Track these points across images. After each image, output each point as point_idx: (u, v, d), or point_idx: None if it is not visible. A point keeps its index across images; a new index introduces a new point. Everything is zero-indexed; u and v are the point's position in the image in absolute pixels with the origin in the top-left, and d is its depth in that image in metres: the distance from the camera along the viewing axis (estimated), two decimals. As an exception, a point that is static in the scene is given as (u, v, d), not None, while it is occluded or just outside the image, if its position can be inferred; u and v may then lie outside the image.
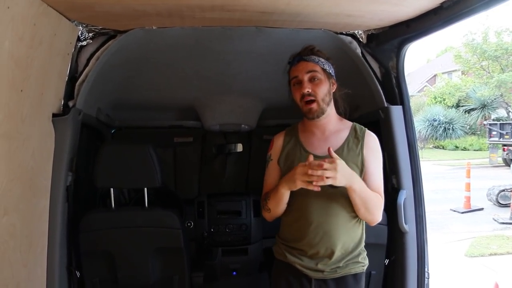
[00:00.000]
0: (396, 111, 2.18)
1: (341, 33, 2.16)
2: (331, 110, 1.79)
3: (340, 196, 1.72)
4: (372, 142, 1.79)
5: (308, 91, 1.71)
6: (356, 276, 1.79)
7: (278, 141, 1.87)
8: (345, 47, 2.18)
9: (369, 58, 2.23)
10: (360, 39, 2.19)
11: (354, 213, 1.75)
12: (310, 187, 1.57)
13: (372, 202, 1.70)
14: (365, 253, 1.83)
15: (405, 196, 2.12)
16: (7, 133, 1.53)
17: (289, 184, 1.65)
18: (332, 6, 1.76)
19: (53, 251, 1.95)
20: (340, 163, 1.58)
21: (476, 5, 1.60)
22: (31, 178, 1.78)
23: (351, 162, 1.72)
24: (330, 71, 1.76)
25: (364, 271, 1.82)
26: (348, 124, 1.84)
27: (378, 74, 2.25)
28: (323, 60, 1.75)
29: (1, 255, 1.58)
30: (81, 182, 2.25)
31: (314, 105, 1.72)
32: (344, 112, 1.86)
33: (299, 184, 1.59)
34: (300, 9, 1.79)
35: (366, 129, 1.82)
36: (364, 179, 1.73)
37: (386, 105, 2.21)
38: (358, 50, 2.20)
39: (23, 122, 1.65)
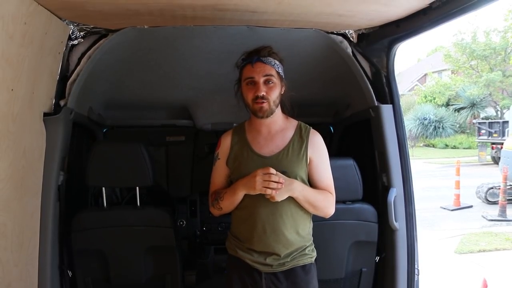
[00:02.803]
0: (386, 110, 2.20)
1: (332, 33, 2.18)
2: (278, 110, 1.82)
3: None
4: (316, 141, 1.83)
5: (263, 94, 1.73)
6: (304, 267, 1.84)
7: (226, 141, 1.89)
8: (336, 46, 2.20)
9: (359, 57, 2.25)
10: (351, 38, 2.21)
11: (300, 210, 1.80)
12: (268, 195, 1.67)
13: (318, 202, 1.78)
14: (313, 245, 1.88)
15: (395, 194, 2.15)
16: (-2, 133, 1.52)
17: (248, 189, 1.71)
18: (324, 5, 1.78)
19: (45, 250, 1.95)
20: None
21: (465, 5, 1.63)
22: (23, 177, 1.77)
23: (296, 162, 1.78)
24: (282, 74, 1.79)
25: (313, 262, 1.87)
26: (294, 123, 1.87)
27: (369, 73, 2.28)
28: (278, 63, 1.77)
29: (-8, 254, 1.57)
30: (73, 181, 2.24)
31: (265, 104, 1.74)
32: (289, 113, 1.88)
33: (259, 191, 1.68)
34: (292, 8, 1.80)
35: (311, 128, 1.85)
36: (311, 178, 1.82)
37: (376, 104, 2.23)
38: (349, 50, 2.22)
39: (14, 121, 1.64)
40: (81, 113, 2.28)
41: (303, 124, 1.87)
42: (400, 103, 2.26)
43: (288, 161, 1.77)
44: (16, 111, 1.65)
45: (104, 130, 2.91)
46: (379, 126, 2.21)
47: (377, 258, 2.30)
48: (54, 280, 2.01)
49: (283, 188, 1.67)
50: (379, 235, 2.26)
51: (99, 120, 2.64)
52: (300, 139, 1.81)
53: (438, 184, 11.06)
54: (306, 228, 1.85)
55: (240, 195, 1.76)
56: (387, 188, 2.18)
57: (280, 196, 1.68)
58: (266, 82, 1.74)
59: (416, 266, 2.20)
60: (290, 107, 1.86)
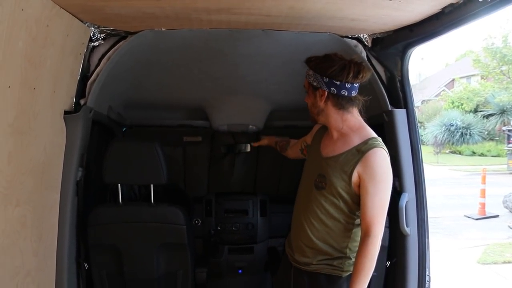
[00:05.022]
0: (400, 115, 2.19)
1: (347, 37, 2.19)
2: (326, 119, 1.85)
3: (320, 199, 1.81)
4: (372, 160, 1.72)
5: (306, 101, 1.90)
6: (329, 277, 1.84)
7: (314, 129, 2.10)
8: (350, 50, 2.21)
9: (374, 61, 2.24)
10: (366, 42, 2.21)
11: (333, 220, 1.81)
12: None
13: (369, 269, 1.70)
14: (349, 261, 1.84)
15: (407, 199, 2.13)
16: (19, 129, 1.61)
17: None
18: (335, 10, 1.79)
19: (63, 243, 2.03)
20: None
21: (477, 10, 1.61)
22: (43, 172, 1.86)
23: (338, 172, 1.77)
24: (315, 83, 1.80)
25: (343, 276, 1.84)
26: (366, 135, 1.80)
27: (383, 78, 2.27)
28: (311, 73, 1.81)
29: (12, 243, 1.65)
30: (92, 178, 2.33)
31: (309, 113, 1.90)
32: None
33: None
34: (304, 13, 1.82)
35: (377, 147, 1.74)
36: (361, 199, 1.74)
37: (390, 109, 2.22)
38: (364, 54, 2.22)
39: (36, 119, 1.73)
40: (101, 112, 2.37)
41: (373, 140, 1.76)
42: (414, 108, 2.25)
43: (332, 168, 1.78)
44: (37, 109, 1.73)
45: (124, 129, 3.00)
46: (392, 131, 2.20)
47: (388, 263, 2.28)
48: (71, 271, 2.09)
49: None
50: (390, 240, 2.24)
51: (118, 119, 2.72)
52: (357, 152, 1.74)
53: (463, 192, 10.79)
54: (341, 240, 1.83)
55: None
56: (399, 193, 2.17)
57: None
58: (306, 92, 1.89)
59: (427, 272, 2.18)
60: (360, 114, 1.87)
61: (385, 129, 2.27)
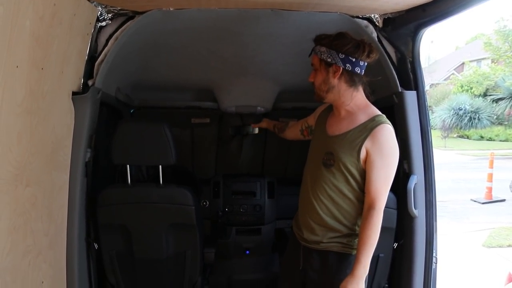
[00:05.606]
0: (410, 96, 2.17)
1: (357, 17, 2.15)
2: (335, 96, 1.86)
3: (328, 176, 1.84)
4: (380, 135, 1.77)
5: (311, 81, 1.89)
6: (339, 254, 1.87)
7: (318, 110, 2.13)
8: (361, 31, 2.17)
9: (384, 42, 2.21)
10: (376, 23, 2.17)
11: (343, 197, 1.83)
12: None
13: (373, 241, 1.75)
14: (357, 238, 1.85)
15: (416, 181, 2.13)
16: (28, 109, 1.60)
17: None
18: (347, -12, 1.76)
19: (73, 223, 2.05)
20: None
21: (493, -12, 1.57)
22: (52, 152, 1.86)
23: (346, 148, 1.80)
24: (329, 60, 1.79)
25: (352, 253, 1.86)
26: (371, 112, 1.85)
27: (394, 59, 2.24)
28: (323, 49, 1.80)
29: (24, 223, 1.67)
30: (100, 159, 2.34)
31: (315, 90, 1.89)
32: (367, 96, 1.92)
33: None
34: (315, -9, 1.79)
35: (384, 123, 1.79)
36: (366, 174, 1.80)
37: (400, 90, 2.20)
38: (374, 34, 2.18)
39: (44, 99, 1.72)
40: (109, 93, 2.36)
41: (379, 117, 1.82)
42: (425, 90, 2.22)
43: (340, 145, 1.82)
44: (46, 89, 1.73)
45: (131, 111, 3.00)
46: (402, 113, 2.18)
47: (395, 245, 2.29)
48: (81, 251, 2.12)
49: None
50: (398, 221, 2.25)
51: (126, 101, 2.72)
52: (364, 129, 1.80)
53: (470, 176, 10.74)
54: (350, 217, 1.86)
55: None
56: (407, 175, 2.16)
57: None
58: (315, 69, 1.87)
59: (434, 254, 2.18)
60: (367, 93, 1.91)
61: (395, 110, 2.25)
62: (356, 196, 1.83)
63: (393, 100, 2.24)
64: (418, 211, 2.13)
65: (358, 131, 1.80)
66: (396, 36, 2.18)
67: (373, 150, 1.77)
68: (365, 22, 2.17)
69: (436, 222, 2.20)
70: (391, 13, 2.10)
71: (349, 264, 1.84)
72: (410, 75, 2.20)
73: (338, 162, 1.80)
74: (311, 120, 2.17)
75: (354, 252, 1.85)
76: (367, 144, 1.77)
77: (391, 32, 2.17)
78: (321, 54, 1.81)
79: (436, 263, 2.19)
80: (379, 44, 2.20)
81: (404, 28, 2.13)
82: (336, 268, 1.87)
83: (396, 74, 2.21)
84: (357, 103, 1.87)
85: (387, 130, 1.78)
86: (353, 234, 1.86)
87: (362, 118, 1.83)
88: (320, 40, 1.82)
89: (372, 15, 2.15)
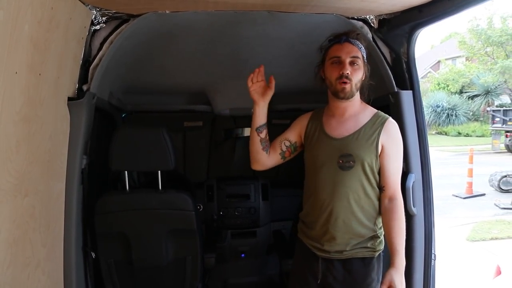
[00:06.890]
0: (406, 96, 2.19)
1: (353, 18, 2.16)
2: (357, 95, 1.85)
3: (349, 179, 1.78)
4: (391, 129, 1.83)
5: (348, 73, 1.75)
6: (364, 260, 1.83)
7: (302, 119, 1.98)
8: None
9: (380, 43, 2.22)
10: (372, 24, 2.19)
11: (365, 198, 1.80)
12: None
13: (403, 233, 1.75)
14: (378, 239, 1.85)
15: (414, 179, 2.15)
16: (27, 117, 1.55)
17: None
18: (346, -10, 1.77)
19: (70, 232, 2.00)
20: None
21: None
22: (49, 160, 1.81)
23: (364, 146, 1.79)
24: (365, 55, 1.82)
25: (375, 256, 1.85)
26: (372, 110, 1.89)
27: (389, 59, 2.25)
28: (364, 47, 1.82)
29: (22, 234, 1.62)
30: (94, 165, 2.28)
31: (348, 85, 1.77)
32: (368, 100, 1.93)
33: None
34: (315, -7, 1.79)
35: (389, 117, 1.86)
36: (382, 167, 1.80)
37: (396, 90, 2.22)
38: (369, 35, 2.20)
39: (42, 106, 1.67)
40: (103, 98, 2.31)
41: (381, 113, 1.88)
42: (420, 89, 2.25)
43: (356, 144, 1.79)
44: (43, 95, 1.67)
45: (123, 115, 2.94)
46: (398, 112, 2.20)
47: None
48: (79, 261, 2.06)
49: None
50: None
51: (118, 105, 2.67)
52: (374, 125, 1.82)
53: (450, 172, 11.00)
54: (372, 218, 1.83)
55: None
56: (405, 173, 2.18)
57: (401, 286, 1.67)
58: (352, 63, 1.77)
59: (433, 251, 2.22)
60: (369, 96, 1.90)
61: (391, 110, 2.26)
62: (376, 194, 1.82)
63: (389, 100, 2.26)
64: (416, 209, 2.16)
65: (369, 127, 1.81)
66: (391, 37, 2.20)
67: (388, 143, 1.80)
68: (360, 23, 2.18)
69: (434, 219, 2.23)
70: (386, 14, 2.12)
71: (373, 268, 1.83)
72: (406, 75, 2.22)
73: (358, 162, 1.77)
74: (293, 136, 1.96)
75: (376, 254, 1.84)
76: (382, 138, 1.79)
77: (386, 33, 2.19)
78: (363, 52, 1.82)
79: (434, 260, 2.22)
80: (374, 45, 2.21)
81: (399, 29, 2.15)
82: (362, 274, 1.83)
83: (392, 74, 2.23)
84: (359, 102, 1.89)
85: (395, 124, 1.85)
86: (375, 236, 1.84)
87: (366, 116, 1.85)
88: (359, 36, 1.83)
89: (368, 16, 2.17)
